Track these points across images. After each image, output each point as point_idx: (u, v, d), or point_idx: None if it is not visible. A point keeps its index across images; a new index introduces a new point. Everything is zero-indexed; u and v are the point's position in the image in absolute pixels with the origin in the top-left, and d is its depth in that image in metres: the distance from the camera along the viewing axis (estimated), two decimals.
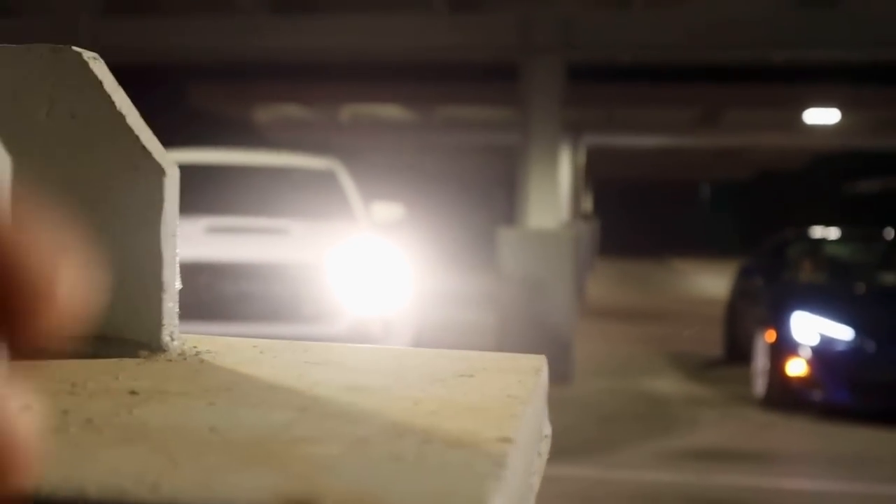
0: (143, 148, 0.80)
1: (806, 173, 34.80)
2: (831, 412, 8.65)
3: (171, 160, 0.82)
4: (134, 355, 0.80)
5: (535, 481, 0.75)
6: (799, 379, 8.82)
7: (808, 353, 8.79)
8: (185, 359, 0.82)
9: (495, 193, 31.05)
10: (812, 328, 8.90)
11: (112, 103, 0.81)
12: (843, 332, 8.83)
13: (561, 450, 6.15)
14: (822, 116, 19.31)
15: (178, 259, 0.85)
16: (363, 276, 7.12)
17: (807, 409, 8.79)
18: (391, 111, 21.61)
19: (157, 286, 0.80)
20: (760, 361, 9.40)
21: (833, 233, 11.75)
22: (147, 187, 0.80)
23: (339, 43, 11.58)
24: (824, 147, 24.81)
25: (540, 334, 10.14)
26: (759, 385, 9.35)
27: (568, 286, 10.34)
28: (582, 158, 23.96)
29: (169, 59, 13.46)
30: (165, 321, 0.81)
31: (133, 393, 0.70)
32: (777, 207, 43.09)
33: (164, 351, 0.81)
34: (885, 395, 8.55)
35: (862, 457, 7.57)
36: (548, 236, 10.50)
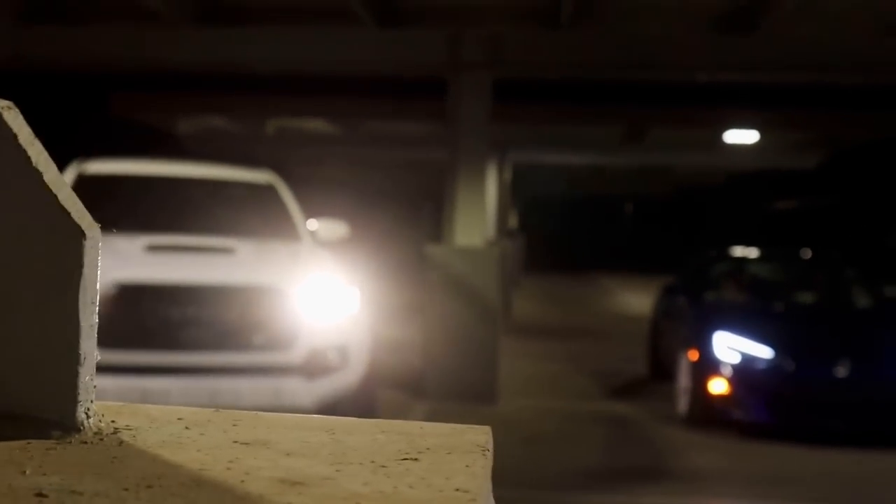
0: (62, 208, 0.75)
1: (725, 191, 35.33)
2: (752, 431, 8.70)
3: (90, 222, 0.77)
4: (46, 436, 0.74)
5: None
6: (721, 398, 8.87)
7: (729, 371, 8.85)
8: (101, 439, 0.76)
9: (424, 209, 30.99)
10: (733, 347, 8.96)
11: (28, 158, 0.75)
12: (763, 352, 8.91)
13: None
14: (741, 137, 19.60)
15: (96, 320, 0.77)
16: (318, 300, 6.72)
17: (729, 427, 8.83)
18: (317, 125, 21.46)
19: (74, 359, 0.74)
20: (683, 380, 9.43)
21: (753, 252, 11.89)
22: (65, 251, 0.75)
23: (264, 55, 11.42)
24: (743, 166, 25.15)
25: (465, 352, 10.09)
26: (683, 404, 9.38)
27: (493, 304, 10.29)
28: (508, 175, 24.00)
29: (89, 68, 13.16)
30: (81, 397, 0.75)
31: (40, 496, 0.63)
32: (698, 224, 43.68)
33: (79, 430, 0.76)
34: (803, 413, 8.66)
35: (781, 476, 7.63)
36: (474, 253, 10.45)
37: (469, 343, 10.11)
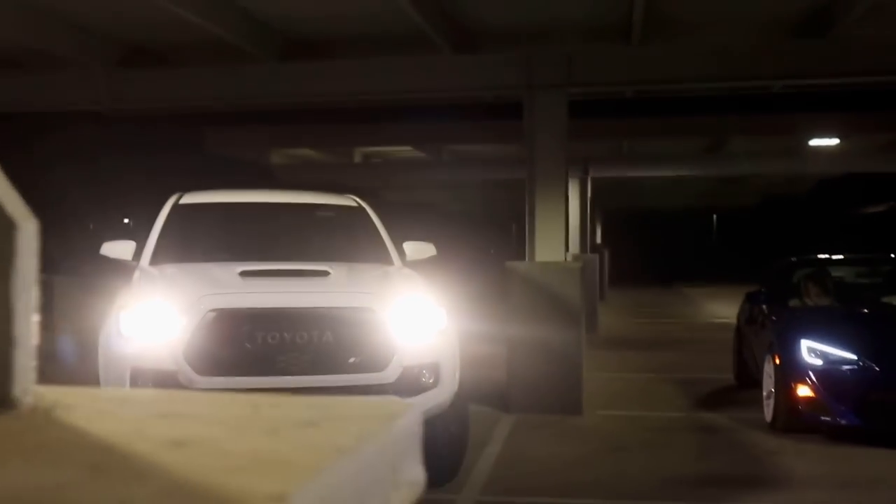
0: None
1: (811, 198, 34.68)
2: (839, 435, 8.56)
3: (26, 214, 0.77)
4: None
5: None
6: (806, 402, 8.73)
7: (814, 377, 8.71)
8: (33, 415, 0.77)
9: (508, 227, 31.00)
10: (818, 353, 8.83)
11: None
12: (848, 356, 8.75)
13: (568, 482, 6.10)
14: (824, 142, 19.30)
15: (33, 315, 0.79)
16: (410, 320, 6.64)
17: (816, 433, 8.70)
18: (402, 151, 21.70)
19: (7, 341, 0.75)
20: (768, 386, 9.32)
21: (837, 257, 11.67)
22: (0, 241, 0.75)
23: (346, 86, 11.63)
24: (828, 172, 24.72)
25: (549, 364, 10.09)
26: (768, 410, 9.26)
27: (575, 317, 10.28)
28: (589, 192, 23.92)
29: (183, 108, 13.54)
30: (17, 376, 0.76)
31: None
32: (783, 232, 42.87)
33: (15, 407, 0.77)
34: (891, 416, 8.45)
35: (872, 480, 7.48)
36: (554, 269, 10.47)
37: (553, 356, 10.10)
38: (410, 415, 0.78)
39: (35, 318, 0.77)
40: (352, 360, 6.46)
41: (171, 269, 7.13)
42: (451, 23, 10.51)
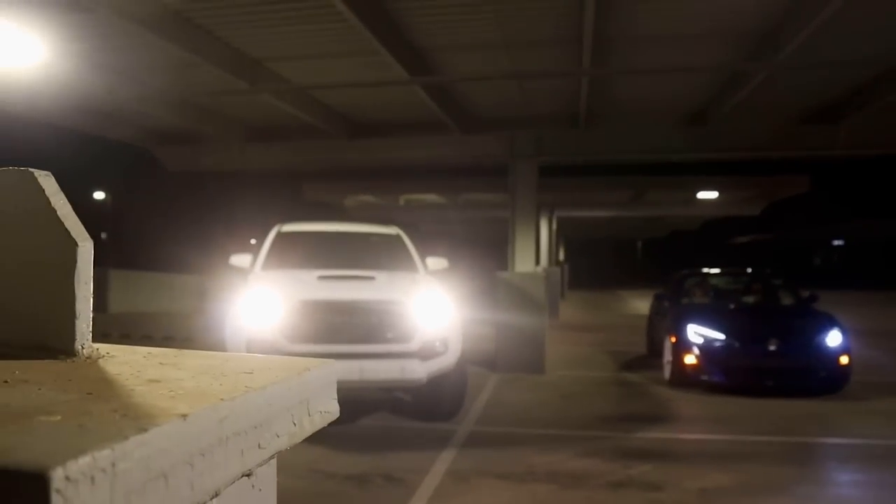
0: (66, 229, 0.75)
1: (701, 232, 34.53)
2: (713, 389, 8.51)
3: (85, 235, 0.76)
4: (55, 357, 0.75)
5: (276, 443, 0.64)
6: (691, 367, 8.66)
7: (696, 350, 8.64)
8: (81, 360, 0.75)
9: (498, 248, 30.89)
10: (699, 333, 8.75)
11: (49, 202, 0.76)
12: (719, 335, 8.68)
13: (531, 418, 6.06)
14: (707, 194, 19.20)
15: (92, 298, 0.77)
16: (428, 309, 6.63)
17: (697, 387, 8.63)
18: (431, 197, 21.71)
19: (73, 314, 0.75)
20: (667, 356, 9.24)
21: (714, 270, 11.55)
22: (65, 253, 0.75)
23: (392, 155, 11.70)
24: (712, 215, 24.55)
25: (523, 340, 10.07)
26: (667, 372, 9.19)
27: (541, 308, 10.26)
28: (555, 225, 23.88)
29: (288, 169, 13.61)
30: (77, 336, 0.75)
31: (4, 382, 0.65)
32: (684, 255, 42.50)
33: (75, 355, 0.75)
34: (746, 375, 8.41)
35: (732, 417, 7.41)
36: (527, 276, 10.45)
37: (525, 334, 10.09)
38: (323, 368, 0.75)
39: (90, 301, 0.77)
40: (389, 334, 6.47)
41: (273, 274, 7.18)
42: (460, 113, 10.54)
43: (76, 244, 0.75)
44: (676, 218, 28.31)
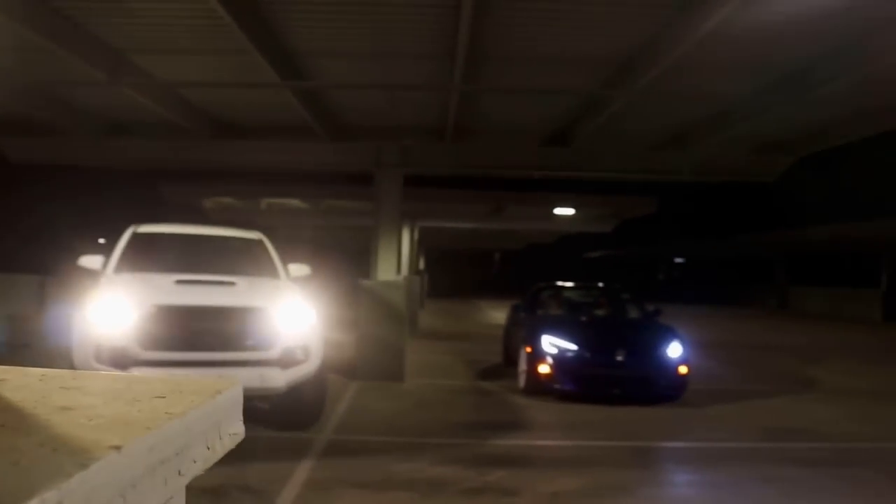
0: None
1: (556, 246, 36.00)
2: (564, 397, 8.85)
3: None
4: None
5: (193, 467, 0.64)
6: (545, 376, 8.98)
7: (550, 360, 8.97)
8: None
9: (361, 256, 30.78)
10: (553, 344, 9.09)
11: None
12: (571, 346, 9.05)
13: (390, 426, 6.08)
14: (564, 211, 20.04)
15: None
16: (290, 316, 6.55)
17: (550, 395, 8.96)
18: (293, 202, 21.32)
19: None
20: (522, 365, 9.49)
21: (568, 284, 11.99)
22: None
23: (256, 157, 11.41)
24: (568, 229, 25.63)
25: (383, 348, 10.10)
26: (522, 381, 9.46)
27: (401, 316, 10.33)
28: (417, 235, 24.09)
29: (146, 167, 12.95)
30: None
31: None
32: (539, 267, 44.08)
33: None
34: (595, 384, 8.83)
35: (582, 423, 7.76)
36: (389, 284, 10.50)
37: (386, 342, 10.13)
38: (232, 390, 0.73)
39: None
40: (249, 342, 6.33)
41: (126, 277, 6.82)
42: (329, 120, 10.46)
43: None
44: (533, 231, 29.35)
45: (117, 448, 0.53)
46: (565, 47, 7.15)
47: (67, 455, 0.52)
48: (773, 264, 37.37)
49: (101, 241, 19.70)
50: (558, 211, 20.08)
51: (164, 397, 0.70)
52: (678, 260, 54.59)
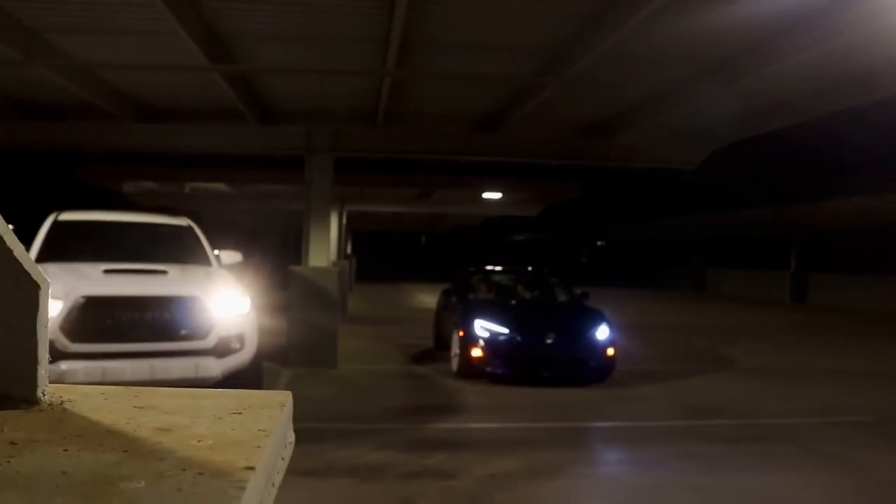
0: (25, 271, 0.74)
1: (482, 229, 36.35)
2: (497, 380, 9.00)
3: (44, 277, 0.74)
4: (17, 408, 0.73)
5: (278, 479, 0.69)
6: (478, 359, 9.11)
7: (482, 343, 9.10)
8: (52, 408, 0.74)
9: (287, 241, 30.38)
10: (485, 328, 9.22)
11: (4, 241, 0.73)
12: (502, 330, 9.20)
13: (327, 413, 6.11)
14: (491, 195, 20.27)
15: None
16: (223, 305, 6.46)
17: (483, 378, 9.11)
18: (219, 186, 20.84)
19: (34, 361, 0.74)
20: (455, 349, 9.62)
21: (498, 268, 12.15)
22: (27, 297, 0.73)
23: (181, 141, 11.11)
24: (493, 214, 25.92)
25: (316, 335, 10.06)
26: (454, 364, 9.58)
27: (333, 303, 10.30)
28: (345, 219, 23.91)
29: (64, 149, 12.41)
30: (39, 383, 0.75)
31: (12, 444, 0.64)
32: (465, 250, 44.48)
33: (38, 403, 0.74)
34: (526, 366, 9.03)
35: (513, 405, 7.94)
36: (322, 271, 10.44)
37: (318, 328, 10.08)
38: (289, 402, 0.78)
39: (47, 345, 0.73)
40: (183, 331, 6.23)
41: (51, 267, 6.57)
42: (256, 102, 10.26)
43: (38, 287, 0.73)
44: (460, 215, 29.57)
45: (252, 468, 0.56)
46: (497, 35, 7.22)
47: (214, 478, 0.54)
48: (691, 248, 38.75)
49: (10, 227, 18.80)
50: (486, 195, 20.29)
51: (241, 413, 0.73)
52: (601, 243, 55.95)
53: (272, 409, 0.75)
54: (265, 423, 0.70)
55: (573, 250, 57.90)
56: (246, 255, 9.45)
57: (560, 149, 11.64)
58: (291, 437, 0.79)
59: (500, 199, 21.19)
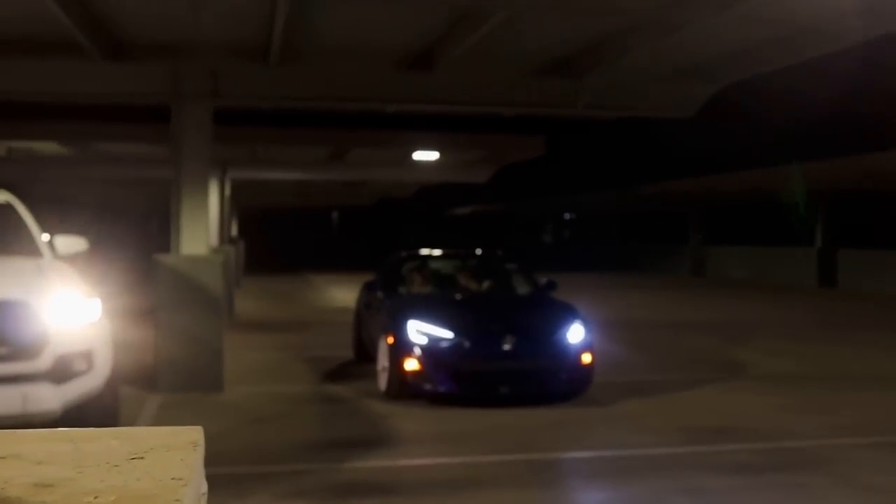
0: None
1: (415, 201, 36.37)
2: (439, 400, 9.02)
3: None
4: None
5: None
6: (413, 374, 9.10)
7: (419, 352, 9.09)
8: None
9: (151, 221, 29.85)
10: (422, 332, 9.20)
11: None
12: (445, 334, 9.21)
13: (217, 452, 6.04)
14: (425, 155, 20.29)
15: None
16: (62, 310, 6.24)
17: (420, 398, 9.10)
18: (48, 146, 20.27)
19: None
20: (382, 361, 9.59)
21: (437, 252, 12.17)
22: None
23: None
24: (428, 180, 25.98)
25: (193, 348, 9.91)
26: (382, 381, 9.55)
27: (216, 304, 10.15)
28: (228, 190, 23.59)
29: None
30: None
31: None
32: (393, 227, 44.52)
33: None
34: (478, 382, 9.08)
35: (462, 434, 7.99)
36: (199, 261, 10.27)
37: (196, 340, 9.92)
38: (201, 439, 0.83)
39: None
40: (2, 350, 6.00)
41: None
42: (102, 32, 9.96)
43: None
44: (385, 184, 29.55)
45: None
46: None
47: None
48: (688, 221, 39.59)
49: None
50: (418, 156, 20.30)
51: (142, 457, 0.76)
52: (569, 216, 56.68)
53: (183, 451, 0.78)
54: (178, 470, 0.73)
55: (534, 227, 58.53)
56: (94, 241, 9.22)
57: (513, 93, 11.70)
58: (204, 486, 0.82)
59: (438, 160, 21.23)
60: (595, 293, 22.01)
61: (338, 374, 11.36)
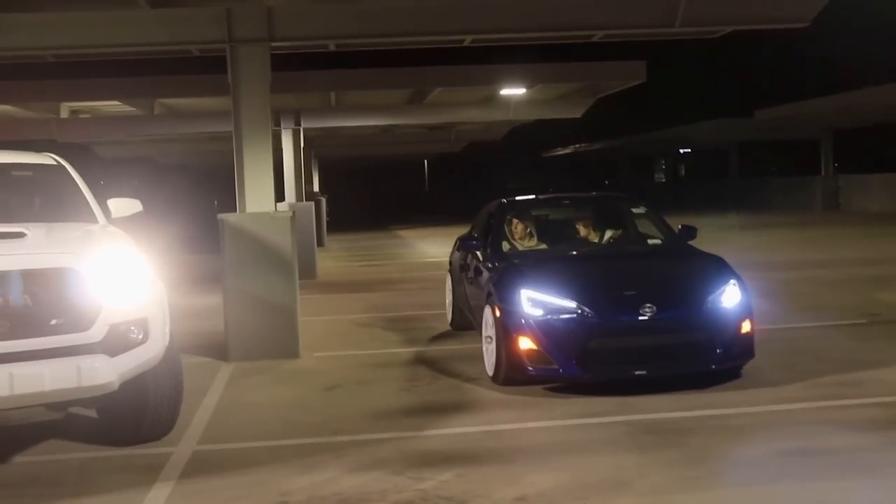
0: None
1: (506, 142, 36.10)
2: (560, 386, 8.06)
3: None
4: None
5: None
6: (529, 355, 7.94)
7: (534, 328, 7.92)
8: None
9: (221, 178, 30.38)
10: (537, 303, 8.01)
11: None
12: (567, 304, 7.94)
13: (289, 422, 6.11)
14: (512, 91, 20.08)
15: None
16: (115, 278, 6.28)
17: (534, 382, 8.13)
18: (111, 105, 20.76)
19: None
20: (487, 331, 8.61)
21: (544, 196, 11.31)
22: None
23: (41, 41, 10.95)
24: (518, 119, 25.69)
25: (264, 312, 10.03)
26: (490, 363, 8.51)
27: (287, 264, 10.22)
28: (303, 142, 23.80)
29: None
30: None
31: None
32: (487, 173, 44.31)
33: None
34: (613, 363, 7.97)
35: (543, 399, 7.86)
36: (266, 218, 10.33)
37: (267, 304, 10.03)
38: None
39: None
40: (54, 321, 6.10)
41: None
42: None
43: None
44: (472, 126, 29.39)
45: None
46: None
47: None
48: (819, 147, 38.38)
49: None
50: (505, 91, 20.08)
51: None
52: (684, 151, 55.44)
53: None
54: None
55: (644, 165, 57.46)
56: (153, 203, 9.35)
57: (604, 15, 11.41)
58: None
59: (527, 96, 20.99)
60: (723, 235, 21.53)
61: (422, 336, 11.27)
